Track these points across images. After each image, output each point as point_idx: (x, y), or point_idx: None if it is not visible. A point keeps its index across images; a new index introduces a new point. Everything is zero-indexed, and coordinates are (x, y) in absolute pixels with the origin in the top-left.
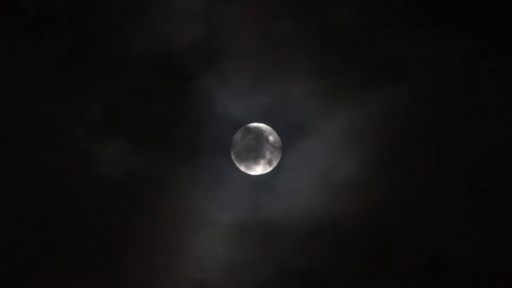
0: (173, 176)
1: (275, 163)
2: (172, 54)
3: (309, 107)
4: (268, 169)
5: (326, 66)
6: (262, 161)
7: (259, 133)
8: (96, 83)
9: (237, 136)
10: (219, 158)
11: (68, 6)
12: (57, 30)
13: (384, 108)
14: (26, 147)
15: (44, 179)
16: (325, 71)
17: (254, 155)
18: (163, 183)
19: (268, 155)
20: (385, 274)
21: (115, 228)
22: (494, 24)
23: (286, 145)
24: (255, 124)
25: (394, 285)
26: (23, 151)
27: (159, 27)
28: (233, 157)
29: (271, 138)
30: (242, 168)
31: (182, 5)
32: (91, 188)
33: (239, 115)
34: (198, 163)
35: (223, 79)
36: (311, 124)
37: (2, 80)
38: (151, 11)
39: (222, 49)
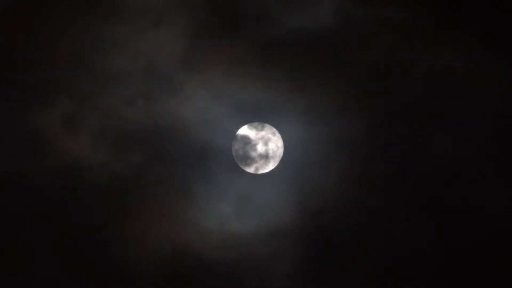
0: (159, 182)
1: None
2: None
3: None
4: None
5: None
6: (248, 169)
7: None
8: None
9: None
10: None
11: None
12: None
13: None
14: (11, 154)
15: (29, 187)
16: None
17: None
18: (149, 189)
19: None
20: None
21: (100, 235)
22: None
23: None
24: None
25: None
26: (6, 158)
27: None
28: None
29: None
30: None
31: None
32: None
33: (233, 118)
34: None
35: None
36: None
37: None
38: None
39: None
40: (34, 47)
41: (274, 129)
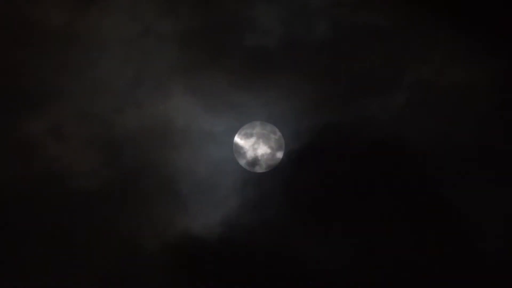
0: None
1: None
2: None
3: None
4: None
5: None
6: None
7: (236, 150)
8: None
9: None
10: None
11: None
12: None
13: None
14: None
15: (19, 194)
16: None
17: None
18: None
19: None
20: None
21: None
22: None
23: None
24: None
25: None
26: None
27: None
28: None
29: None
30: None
31: None
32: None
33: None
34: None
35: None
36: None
37: None
38: None
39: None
40: (24, 55)
41: (274, 128)
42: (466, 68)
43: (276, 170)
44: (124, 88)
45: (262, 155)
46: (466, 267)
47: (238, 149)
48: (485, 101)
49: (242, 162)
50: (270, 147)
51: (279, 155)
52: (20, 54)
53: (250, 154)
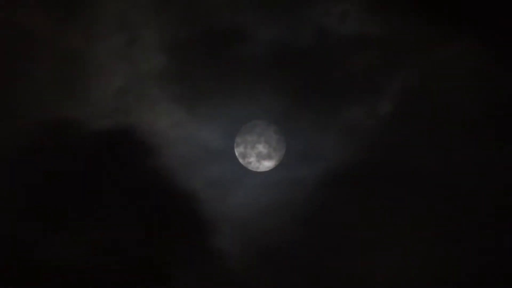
0: None
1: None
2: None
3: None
4: None
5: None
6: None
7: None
8: None
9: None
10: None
11: None
12: None
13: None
14: None
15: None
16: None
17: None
18: None
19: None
20: None
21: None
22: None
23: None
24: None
25: None
26: None
27: None
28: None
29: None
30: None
31: None
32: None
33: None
34: None
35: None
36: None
37: None
38: None
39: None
40: (13, 62)
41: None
42: (455, 73)
43: None
44: (112, 95)
45: None
46: None
47: None
48: (474, 107)
49: None
50: None
51: None
52: (9, 61)
53: None
